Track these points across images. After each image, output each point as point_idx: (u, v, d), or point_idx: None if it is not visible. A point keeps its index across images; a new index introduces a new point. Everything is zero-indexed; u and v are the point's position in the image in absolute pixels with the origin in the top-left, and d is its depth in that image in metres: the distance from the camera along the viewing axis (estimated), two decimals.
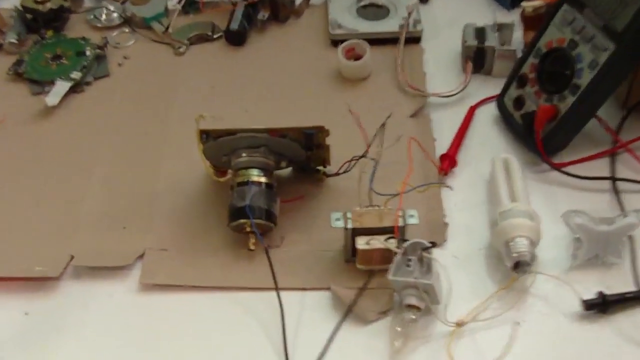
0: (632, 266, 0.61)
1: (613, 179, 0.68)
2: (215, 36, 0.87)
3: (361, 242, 0.59)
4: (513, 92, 0.74)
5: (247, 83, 0.81)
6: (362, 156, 0.65)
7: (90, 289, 0.62)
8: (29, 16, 0.88)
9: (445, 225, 0.65)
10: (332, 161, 0.68)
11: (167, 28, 0.88)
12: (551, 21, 0.70)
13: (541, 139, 0.68)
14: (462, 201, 0.67)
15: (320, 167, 0.69)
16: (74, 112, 0.79)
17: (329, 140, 0.65)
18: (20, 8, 0.88)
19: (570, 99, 0.67)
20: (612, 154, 0.70)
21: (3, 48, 0.86)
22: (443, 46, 0.84)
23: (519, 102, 0.72)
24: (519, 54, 0.77)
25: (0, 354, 0.57)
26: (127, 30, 0.89)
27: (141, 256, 0.64)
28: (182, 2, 0.90)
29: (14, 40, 0.85)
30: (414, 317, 0.56)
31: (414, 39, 0.84)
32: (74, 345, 0.58)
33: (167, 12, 0.90)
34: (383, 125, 0.65)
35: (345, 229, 0.59)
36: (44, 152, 0.75)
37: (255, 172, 0.63)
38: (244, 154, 0.63)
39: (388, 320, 0.59)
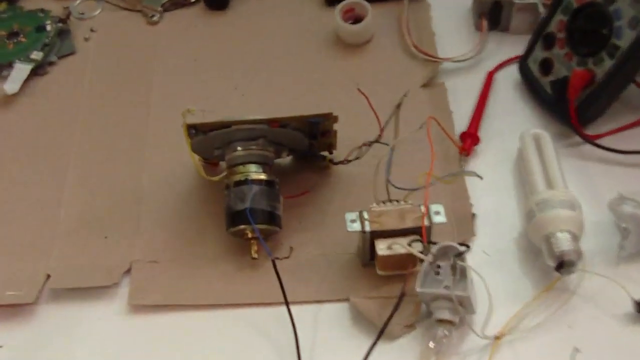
0: None
1: None
2: (192, 0, 0.79)
3: (382, 247, 0.52)
4: (539, 54, 0.66)
5: (234, 54, 0.73)
6: (375, 141, 0.58)
7: (73, 313, 0.56)
8: None
9: (473, 216, 0.58)
10: (337, 145, 0.60)
11: None
12: None
13: (575, 108, 0.61)
14: (489, 185, 0.60)
15: (326, 153, 0.61)
16: (38, 99, 0.71)
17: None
18: None
19: (608, 62, 0.60)
20: None
21: None
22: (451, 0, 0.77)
23: (546, 65, 0.66)
24: (540, 8, 0.70)
25: None
26: None
27: (128, 271, 0.57)
28: None
29: None
30: (447, 333, 0.49)
31: None
32: None
33: None
34: (398, 106, 0.57)
35: (363, 232, 0.52)
36: (6, 149, 0.67)
37: (253, 167, 0.56)
38: (239, 148, 0.56)
39: (415, 333, 0.52)
